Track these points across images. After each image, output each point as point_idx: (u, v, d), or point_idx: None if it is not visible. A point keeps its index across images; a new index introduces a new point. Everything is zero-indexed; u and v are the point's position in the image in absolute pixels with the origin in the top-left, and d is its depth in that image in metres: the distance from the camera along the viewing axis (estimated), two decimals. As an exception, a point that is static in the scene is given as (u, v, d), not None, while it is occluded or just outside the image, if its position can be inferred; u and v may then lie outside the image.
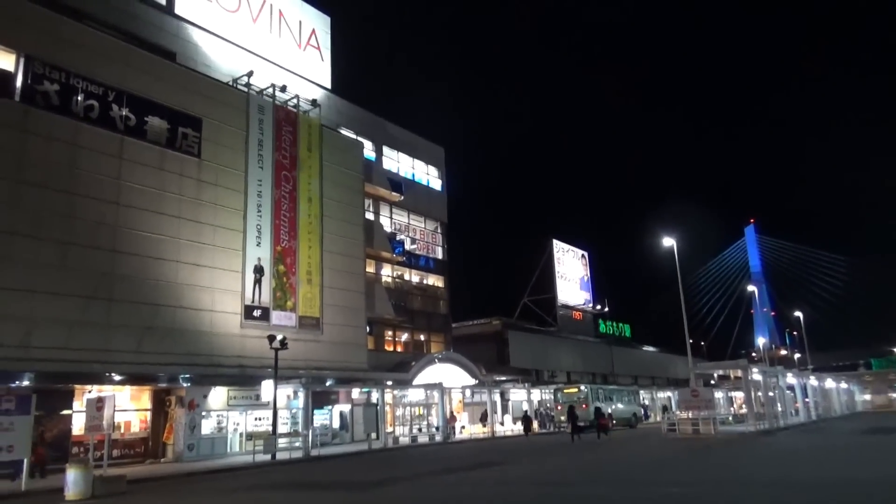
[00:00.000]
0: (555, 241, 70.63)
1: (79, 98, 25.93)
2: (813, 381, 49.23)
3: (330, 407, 34.90)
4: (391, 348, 43.61)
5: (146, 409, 27.78)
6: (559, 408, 43.45)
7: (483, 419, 41.78)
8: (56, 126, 24.97)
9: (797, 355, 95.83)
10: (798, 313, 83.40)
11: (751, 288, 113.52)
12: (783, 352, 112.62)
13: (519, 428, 40.53)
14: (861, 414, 60.85)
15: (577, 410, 41.51)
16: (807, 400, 47.68)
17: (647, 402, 58.59)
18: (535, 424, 44.00)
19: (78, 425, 23.81)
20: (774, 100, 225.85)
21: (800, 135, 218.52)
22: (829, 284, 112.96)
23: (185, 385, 27.16)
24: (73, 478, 16.35)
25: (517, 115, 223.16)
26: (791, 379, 44.82)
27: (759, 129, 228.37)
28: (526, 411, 44.92)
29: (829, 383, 55.55)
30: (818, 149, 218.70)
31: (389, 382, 36.61)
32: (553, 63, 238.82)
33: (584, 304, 73.71)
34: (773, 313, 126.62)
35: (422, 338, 46.61)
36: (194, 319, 28.52)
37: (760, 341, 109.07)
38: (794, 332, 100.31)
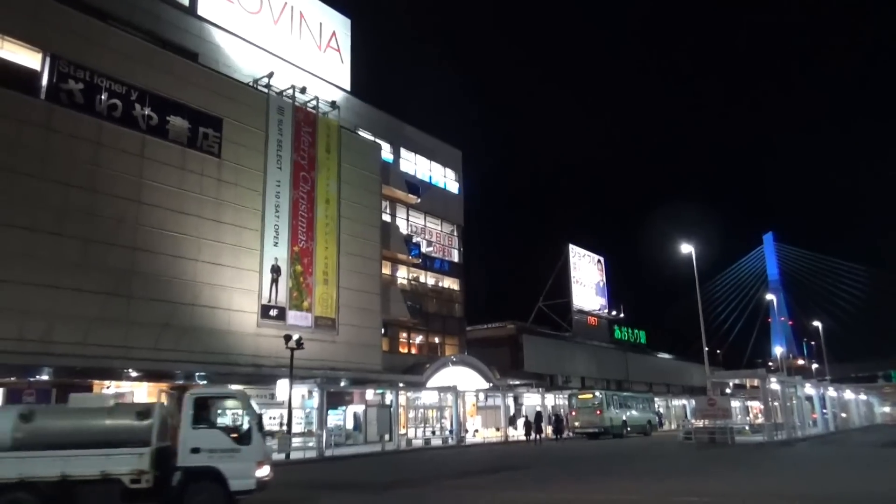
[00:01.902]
0: (571, 246, 70.34)
1: (102, 97, 26.26)
2: (831, 391, 48.53)
3: (344, 407, 34.96)
4: (405, 350, 43.63)
5: (163, 406, 27.97)
6: (574, 413, 43.20)
7: (512, 423, 40.99)
8: (80, 124, 25.31)
9: (815, 366, 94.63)
10: (816, 323, 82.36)
11: (768, 296, 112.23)
12: (800, 362, 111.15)
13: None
14: (880, 426, 59.88)
15: (591, 417, 41.44)
16: (825, 411, 47.03)
17: (661, 410, 58.09)
18: (549, 429, 43.50)
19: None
20: (796, 106, 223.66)
21: (820, 143, 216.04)
22: (848, 294, 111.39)
23: (201, 382, 27.33)
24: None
25: (536, 119, 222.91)
26: (809, 389, 44.19)
27: (780, 137, 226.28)
28: (526, 416, 43.95)
29: (848, 394, 54.74)
30: (838, 156, 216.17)
31: (403, 384, 36.63)
32: (572, 66, 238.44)
33: (599, 310, 73.29)
34: (790, 323, 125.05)
35: (436, 340, 46.60)
36: (211, 318, 28.73)
37: (777, 351, 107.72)
38: (812, 342, 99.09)
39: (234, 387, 29.05)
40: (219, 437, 11.63)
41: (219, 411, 12.71)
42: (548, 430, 40.60)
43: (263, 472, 11.58)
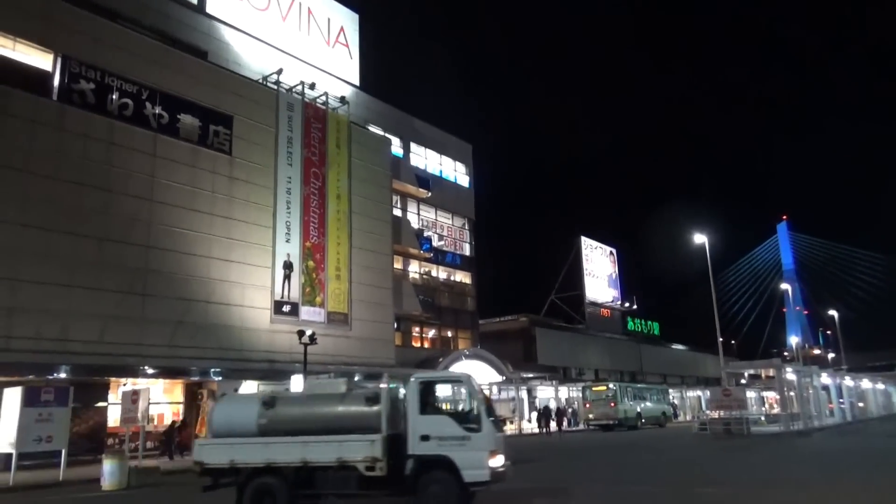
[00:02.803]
0: (583, 239, 70.09)
1: (114, 97, 26.41)
2: (848, 381, 48.10)
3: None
4: (418, 344, 43.69)
5: (179, 403, 28.24)
6: (588, 406, 43.14)
7: (543, 418, 40.90)
8: (92, 124, 25.46)
9: (831, 355, 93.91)
10: (832, 312, 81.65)
11: (783, 286, 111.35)
12: (816, 351, 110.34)
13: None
14: (898, 415, 59.30)
15: (605, 409, 41.40)
16: (842, 401, 46.62)
17: (676, 401, 57.87)
18: (564, 421, 43.52)
19: (113, 417, 24.34)
20: (809, 95, 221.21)
21: (835, 130, 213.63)
22: (864, 282, 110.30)
23: (216, 379, 27.50)
24: (109, 468, 16.72)
25: (547, 112, 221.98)
26: (826, 379, 43.82)
27: (794, 125, 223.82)
28: (547, 406, 44.26)
29: (866, 384, 54.22)
30: (853, 143, 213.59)
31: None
32: (583, 57, 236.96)
33: (612, 302, 73.06)
34: (805, 312, 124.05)
35: (449, 334, 46.62)
36: (225, 314, 28.89)
37: (793, 340, 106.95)
38: (828, 332, 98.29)
39: (249, 382, 29.39)
40: (448, 423, 10.97)
41: (443, 397, 12.14)
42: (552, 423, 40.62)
43: (497, 462, 10.76)
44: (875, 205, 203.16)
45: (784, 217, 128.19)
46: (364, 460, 10.66)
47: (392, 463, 10.71)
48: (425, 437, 10.82)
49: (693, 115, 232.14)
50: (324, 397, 11.77)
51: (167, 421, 27.71)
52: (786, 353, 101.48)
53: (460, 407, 12.22)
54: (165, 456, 25.02)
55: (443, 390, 12.17)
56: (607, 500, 12.79)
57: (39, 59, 24.90)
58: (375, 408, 11.06)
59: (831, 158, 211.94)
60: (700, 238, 38.63)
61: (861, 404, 50.92)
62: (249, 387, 29.55)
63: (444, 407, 11.92)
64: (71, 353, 22.93)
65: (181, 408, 28.19)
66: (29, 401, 17.54)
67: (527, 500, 12.75)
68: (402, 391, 11.67)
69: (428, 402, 11.29)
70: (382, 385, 11.49)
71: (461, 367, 40.70)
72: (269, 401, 11.60)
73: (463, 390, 11.89)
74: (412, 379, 11.47)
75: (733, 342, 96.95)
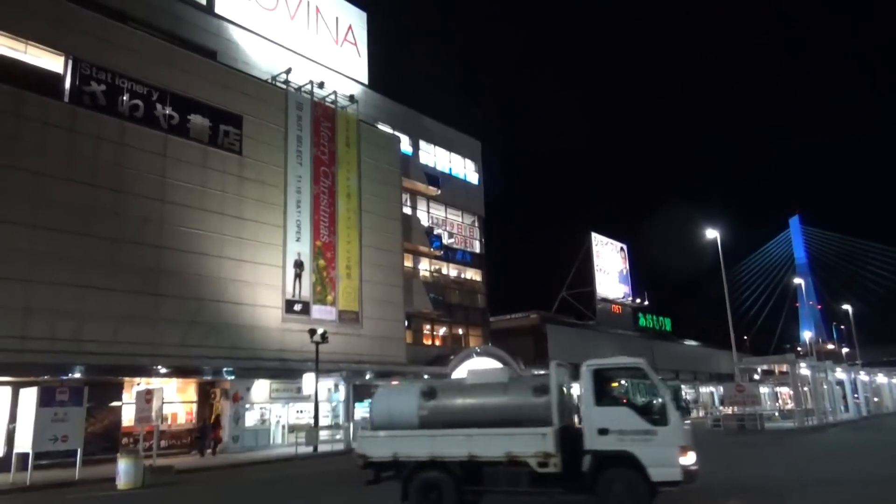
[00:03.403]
0: (593, 235, 69.82)
1: (124, 98, 26.56)
2: (863, 376, 47.70)
3: (370, 400, 35.09)
4: (429, 342, 43.71)
5: (192, 402, 28.41)
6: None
7: None
8: (103, 126, 25.64)
9: (845, 350, 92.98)
10: (846, 306, 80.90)
11: (796, 280, 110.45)
12: (830, 346, 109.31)
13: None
14: (914, 410, 58.74)
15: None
16: (856, 396, 46.23)
17: (688, 397, 57.59)
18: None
19: (127, 416, 24.53)
20: (820, 86, 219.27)
21: (847, 122, 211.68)
22: (878, 276, 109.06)
23: (228, 378, 27.64)
24: (124, 467, 16.84)
25: (554, 107, 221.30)
26: (840, 374, 43.47)
27: (804, 117, 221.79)
28: None
29: (881, 378, 53.75)
30: (865, 135, 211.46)
31: (428, 376, 36.67)
32: (592, 52, 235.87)
33: (623, 298, 72.74)
34: (819, 307, 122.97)
35: (460, 332, 46.61)
36: (237, 313, 29.01)
37: (806, 335, 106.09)
38: (842, 326, 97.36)
39: (261, 381, 29.53)
40: (629, 416, 10.03)
41: (619, 386, 11.42)
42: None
43: (689, 459, 9.71)
44: (889, 197, 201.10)
45: (796, 211, 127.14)
46: (535, 455, 9.87)
47: (567, 459, 9.88)
48: (604, 431, 9.96)
49: (704, 109, 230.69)
50: (486, 387, 11.12)
51: (181, 420, 27.93)
52: (799, 349, 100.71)
53: (638, 397, 11.35)
54: (199, 453, 25.90)
55: (619, 378, 11.43)
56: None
57: (50, 61, 25.09)
58: (544, 398, 10.31)
59: (843, 151, 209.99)
60: (712, 233, 38.38)
61: (876, 399, 50.50)
62: (262, 385, 29.72)
63: (620, 397, 11.04)
64: (85, 354, 23.11)
65: (194, 407, 28.36)
66: (44, 401, 17.70)
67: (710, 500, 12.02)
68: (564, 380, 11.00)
69: (604, 392, 10.46)
70: (551, 373, 10.72)
71: (472, 364, 40.69)
72: (430, 391, 11.17)
73: (641, 378, 10.90)
74: (584, 367, 10.67)
75: (746, 338, 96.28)
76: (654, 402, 10.19)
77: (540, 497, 10.42)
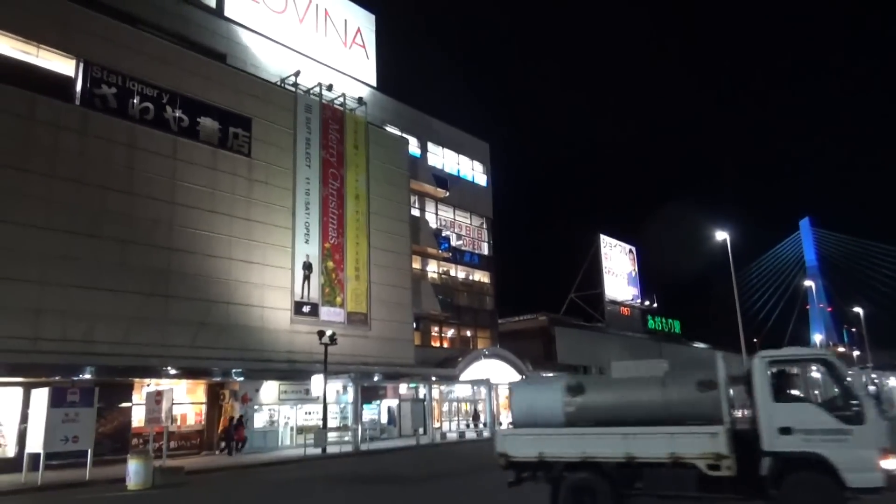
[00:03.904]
0: (602, 237, 69.63)
1: (135, 101, 26.74)
2: (875, 379, 47.31)
3: (378, 402, 35.20)
4: (437, 344, 43.72)
5: (201, 403, 28.51)
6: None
7: None
8: (114, 128, 25.82)
9: (856, 352, 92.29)
10: (857, 309, 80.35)
11: (807, 283, 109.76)
12: (840, 349, 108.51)
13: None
14: (927, 414, 58.25)
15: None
16: (868, 399, 45.75)
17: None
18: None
19: (137, 417, 24.66)
20: (829, 88, 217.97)
21: (857, 124, 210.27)
22: (890, 279, 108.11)
23: (237, 379, 27.76)
24: (134, 468, 16.92)
25: (563, 108, 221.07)
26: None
27: (814, 119, 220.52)
28: None
29: (892, 382, 53.31)
30: (876, 136, 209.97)
31: (436, 378, 36.72)
32: (599, 55, 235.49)
33: (632, 300, 72.51)
34: (829, 309, 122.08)
35: (468, 333, 46.60)
36: (246, 315, 29.12)
37: (817, 338, 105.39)
38: (853, 329, 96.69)
39: (269, 383, 29.59)
40: (817, 413, 9.01)
41: (797, 380, 10.45)
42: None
43: (893, 464, 8.55)
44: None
45: (807, 213, 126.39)
46: (704, 457, 9.02)
47: (742, 461, 8.97)
48: (786, 430, 8.95)
49: (714, 110, 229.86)
50: (640, 382, 10.30)
51: (190, 421, 28.06)
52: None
53: (817, 392, 10.40)
54: (228, 452, 26.46)
55: (799, 371, 10.38)
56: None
57: (62, 64, 25.28)
58: (711, 393, 9.46)
59: (854, 153, 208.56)
60: (722, 235, 38.21)
61: (888, 402, 50.04)
62: (270, 387, 29.80)
63: (800, 393, 9.93)
64: (96, 355, 23.26)
65: (204, 408, 28.48)
66: (56, 401, 17.81)
67: None
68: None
69: (783, 387, 9.51)
70: (717, 365, 9.84)
71: (481, 366, 40.68)
72: (577, 387, 10.43)
73: (829, 370, 9.67)
74: (757, 358, 9.75)
75: (756, 340, 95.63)
76: (844, 397, 9.12)
77: (710, 503, 9.48)
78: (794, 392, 9.79)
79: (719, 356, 10.01)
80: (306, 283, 32.05)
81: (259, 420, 29.10)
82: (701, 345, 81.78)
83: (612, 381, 10.94)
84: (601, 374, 58.16)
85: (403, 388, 36.41)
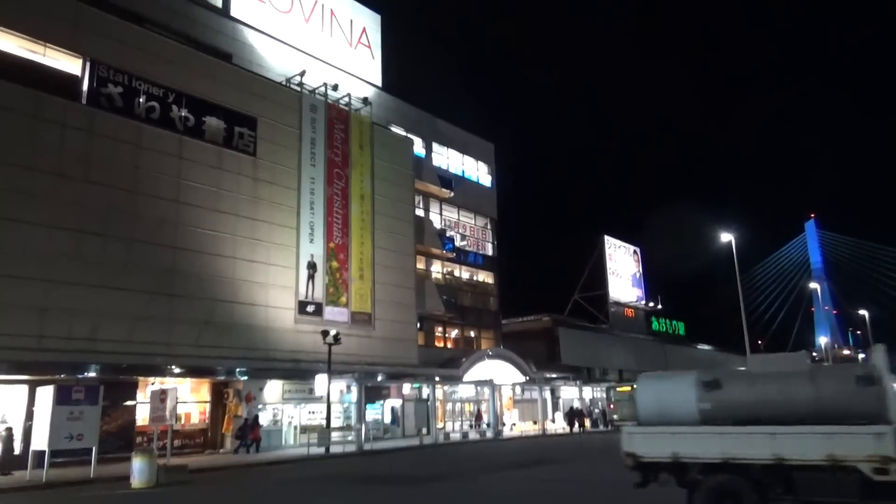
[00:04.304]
0: (606, 238, 69.54)
1: (141, 100, 26.81)
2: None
3: (381, 402, 35.23)
4: (441, 344, 43.71)
5: (205, 402, 28.59)
6: (612, 406, 42.86)
7: (575, 418, 41.27)
8: (120, 127, 25.89)
9: (861, 355, 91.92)
10: (863, 311, 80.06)
11: (812, 285, 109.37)
12: (846, 351, 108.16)
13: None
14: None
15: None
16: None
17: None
18: (587, 422, 43.47)
19: (141, 416, 24.74)
20: (837, 88, 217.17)
21: (862, 124, 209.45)
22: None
23: (241, 378, 27.81)
24: (138, 466, 16.97)
25: (568, 109, 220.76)
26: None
27: (820, 120, 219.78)
28: (572, 407, 44.58)
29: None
30: (882, 138, 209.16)
31: (439, 378, 36.72)
32: (603, 53, 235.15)
33: (636, 301, 72.39)
34: (835, 312, 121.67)
35: (472, 334, 46.59)
36: (250, 314, 29.17)
37: (822, 340, 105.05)
38: (858, 332, 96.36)
39: (273, 382, 29.64)
40: None
41: None
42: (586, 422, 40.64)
43: None
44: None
45: (812, 215, 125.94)
46: (869, 459, 8.26)
47: None
48: None
49: (719, 111, 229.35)
50: (786, 377, 9.55)
51: (194, 420, 28.14)
52: (814, 354, 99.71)
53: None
54: (245, 450, 26.68)
55: None
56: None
57: (69, 63, 25.37)
58: (872, 389, 8.74)
59: (860, 154, 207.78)
60: (727, 237, 38.14)
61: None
62: (274, 386, 29.85)
63: None
64: (101, 353, 23.34)
65: (208, 407, 28.56)
66: (61, 399, 17.87)
67: None
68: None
69: None
70: (877, 358, 9.10)
71: (484, 366, 40.70)
72: (713, 381, 9.77)
73: None
74: None
75: (760, 342, 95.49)
76: None
77: None
78: None
79: (881, 348, 9.29)
80: (310, 282, 32.10)
81: (263, 419, 29.14)
82: (705, 346, 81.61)
83: (752, 375, 10.19)
84: (604, 375, 58.21)
85: (407, 388, 36.43)
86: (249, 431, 27.23)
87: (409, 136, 41.73)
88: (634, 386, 39.89)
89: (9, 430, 20.19)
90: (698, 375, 10.11)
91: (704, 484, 9.18)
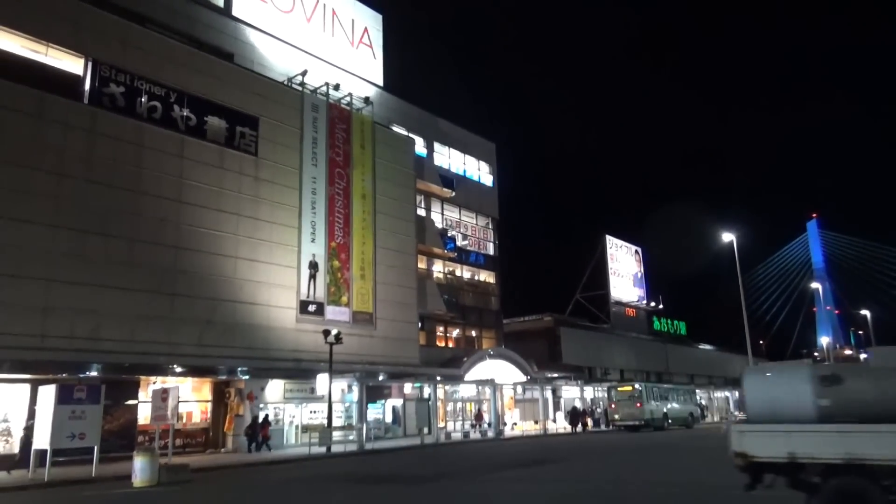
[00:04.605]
0: (608, 238, 69.60)
1: (143, 99, 26.86)
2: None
3: (382, 401, 35.27)
4: (442, 344, 43.75)
5: (207, 401, 28.63)
6: (613, 406, 42.87)
7: (577, 417, 41.46)
8: (122, 127, 25.93)
9: (863, 356, 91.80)
10: (865, 312, 79.96)
11: (814, 285, 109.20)
12: (848, 352, 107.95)
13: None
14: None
15: (631, 409, 41.09)
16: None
17: (703, 402, 57.22)
18: (590, 421, 43.55)
19: (143, 415, 24.78)
20: (839, 86, 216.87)
21: (863, 125, 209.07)
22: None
23: (243, 378, 27.85)
24: (140, 465, 16.99)
25: (570, 109, 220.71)
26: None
27: (821, 119, 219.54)
28: (574, 407, 44.71)
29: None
30: (884, 137, 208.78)
31: (441, 378, 36.74)
32: (605, 52, 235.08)
33: (637, 301, 72.43)
34: (837, 311, 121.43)
35: (473, 334, 46.62)
36: (252, 314, 29.21)
37: (824, 340, 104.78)
38: (860, 332, 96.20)
39: (275, 381, 29.67)
40: None
41: None
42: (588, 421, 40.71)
43: None
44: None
45: (814, 215, 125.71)
46: None
47: None
48: None
49: (720, 111, 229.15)
50: None
51: (196, 419, 28.19)
52: (816, 354, 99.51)
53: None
54: (256, 449, 26.86)
55: None
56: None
57: (71, 63, 25.41)
58: None
59: (861, 154, 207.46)
60: (728, 236, 38.12)
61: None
62: (276, 385, 29.88)
63: None
64: (102, 352, 23.38)
65: (209, 406, 28.60)
66: (62, 398, 17.92)
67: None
68: None
69: None
70: None
71: (486, 366, 40.72)
72: (833, 376, 9.11)
73: None
74: None
75: (762, 342, 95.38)
76: None
77: None
78: None
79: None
80: (312, 282, 32.13)
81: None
82: (706, 346, 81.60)
83: (876, 370, 9.61)
84: (605, 375, 58.18)
85: (408, 387, 36.46)
86: (260, 430, 27.33)
87: (411, 135, 41.76)
88: (636, 386, 39.95)
89: (29, 426, 20.06)
90: (813, 369, 9.46)
91: (828, 486, 8.52)
